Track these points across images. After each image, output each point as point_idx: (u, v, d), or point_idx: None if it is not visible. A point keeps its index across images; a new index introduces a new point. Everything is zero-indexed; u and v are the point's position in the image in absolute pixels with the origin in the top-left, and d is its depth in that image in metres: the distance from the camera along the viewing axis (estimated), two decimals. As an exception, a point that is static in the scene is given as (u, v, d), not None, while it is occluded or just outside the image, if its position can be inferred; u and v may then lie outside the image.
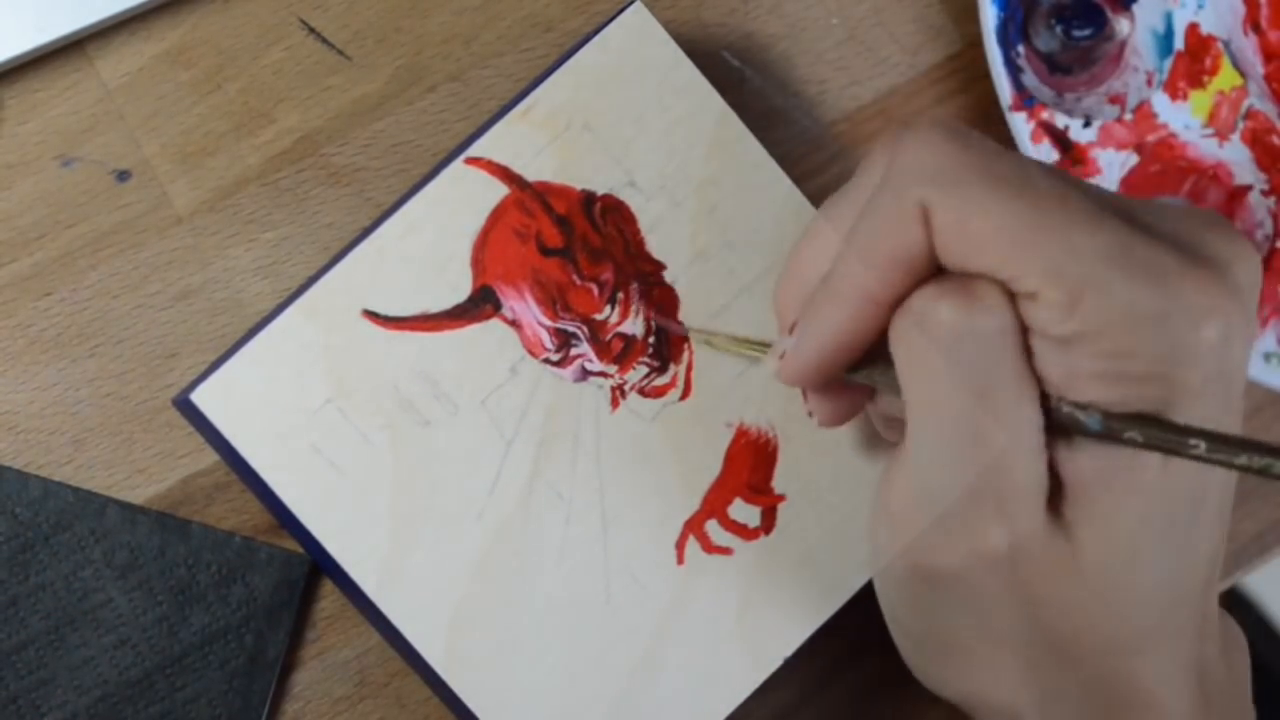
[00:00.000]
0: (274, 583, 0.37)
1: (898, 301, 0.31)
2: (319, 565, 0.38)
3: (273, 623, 0.37)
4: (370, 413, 0.36)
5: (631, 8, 0.39)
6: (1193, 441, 0.28)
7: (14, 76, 0.39)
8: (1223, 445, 0.28)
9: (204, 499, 0.38)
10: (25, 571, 0.36)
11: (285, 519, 0.36)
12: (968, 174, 0.29)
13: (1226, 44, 0.43)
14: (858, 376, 0.33)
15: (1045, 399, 0.30)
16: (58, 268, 0.39)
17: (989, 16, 0.41)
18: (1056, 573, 0.30)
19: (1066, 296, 0.28)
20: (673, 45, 0.39)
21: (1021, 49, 0.42)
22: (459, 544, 0.36)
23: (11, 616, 0.36)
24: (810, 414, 0.35)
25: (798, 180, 0.40)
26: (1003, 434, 0.29)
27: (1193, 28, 0.43)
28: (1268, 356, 0.43)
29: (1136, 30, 0.43)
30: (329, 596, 0.39)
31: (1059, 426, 0.30)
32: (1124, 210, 0.30)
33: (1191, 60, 0.43)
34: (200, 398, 0.35)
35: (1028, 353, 0.30)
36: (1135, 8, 0.43)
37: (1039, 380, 0.30)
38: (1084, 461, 0.30)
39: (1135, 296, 0.28)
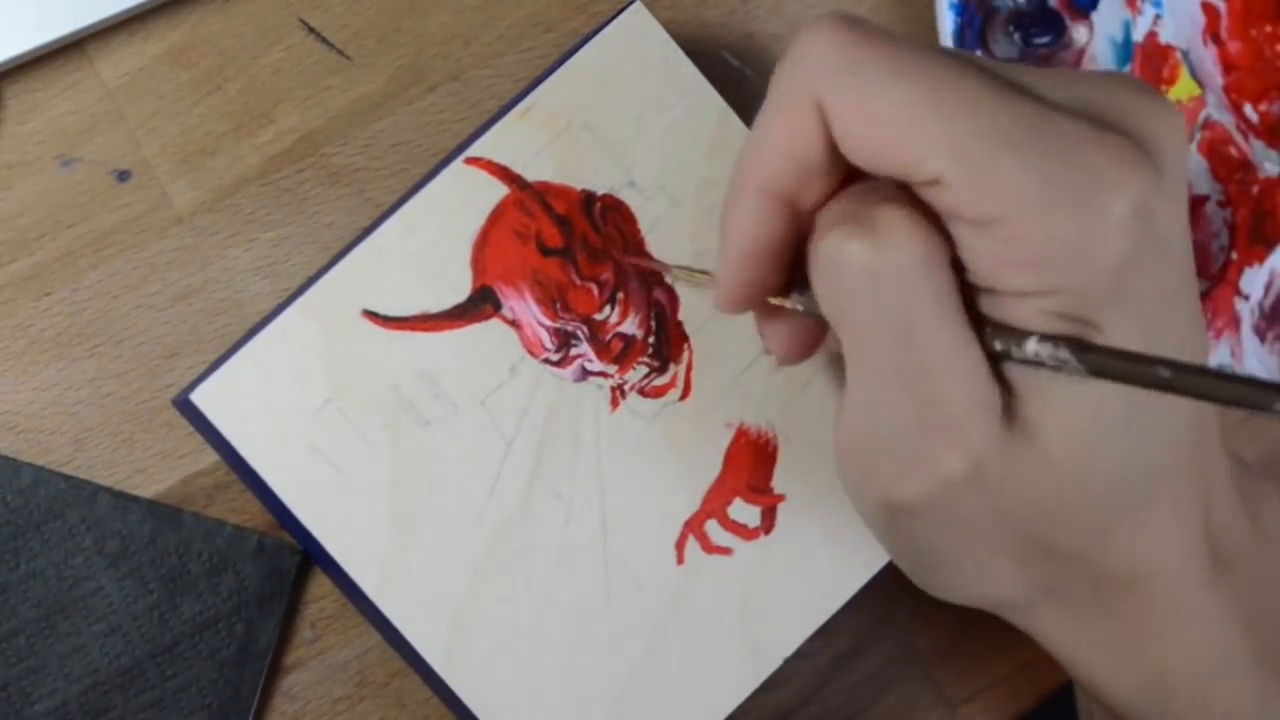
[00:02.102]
0: (265, 572, 0.37)
1: (805, 201, 0.30)
2: (319, 565, 0.38)
3: (264, 612, 0.37)
4: (370, 413, 0.36)
5: (631, 8, 0.39)
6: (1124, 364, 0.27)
7: (14, 76, 0.39)
8: (1146, 364, 0.27)
9: (204, 499, 0.38)
10: (16, 559, 0.36)
11: (285, 519, 0.36)
12: (864, 60, 0.28)
13: (1185, 54, 0.43)
14: (788, 302, 0.32)
15: (980, 323, 0.29)
16: (58, 268, 0.39)
17: (946, 22, 0.41)
18: (1024, 476, 0.30)
19: (972, 176, 0.27)
20: (673, 45, 0.39)
21: (979, 55, 0.41)
22: (459, 544, 0.36)
23: (2, 604, 0.36)
24: (769, 352, 0.34)
25: (798, 180, 0.40)
26: (934, 366, 0.29)
27: (1151, 37, 0.43)
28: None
29: (1095, 39, 0.42)
30: (329, 596, 0.39)
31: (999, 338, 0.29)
32: (1031, 84, 0.29)
33: (1149, 70, 0.43)
34: (200, 398, 0.35)
35: (950, 241, 0.29)
36: (1094, 16, 0.42)
37: (969, 274, 0.29)
38: (1030, 369, 0.29)
39: (1041, 173, 0.27)
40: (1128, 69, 0.42)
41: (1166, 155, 0.28)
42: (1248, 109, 0.44)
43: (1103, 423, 0.29)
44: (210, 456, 0.38)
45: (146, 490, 0.38)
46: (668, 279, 0.38)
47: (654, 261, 0.38)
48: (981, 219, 0.28)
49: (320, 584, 0.39)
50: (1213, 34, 0.44)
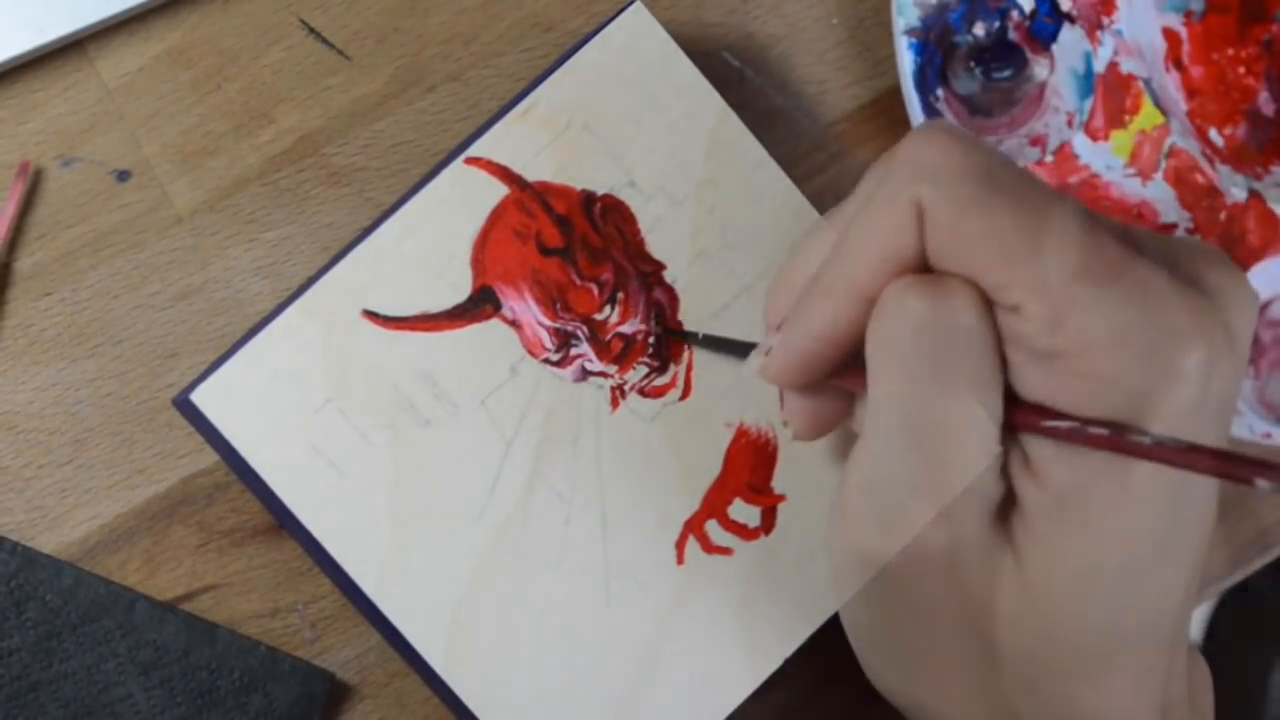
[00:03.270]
0: (294, 695, 0.37)
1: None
2: (319, 565, 0.38)
3: None
4: (370, 413, 0.36)
5: (631, 8, 0.39)
6: (1153, 440, 0.27)
7: (14, 76, 0.39)
8: (1189, 451, 0.27)
9: (204, 499, 0.38)
10: (49, 659, 0.36)
11: (285, 519, 0.36)
12: (967, 174, 0.29)
13: (1147, 82, 0.43)
14: (840, 381, 0.32)
15: (1011, 406, 0.29)
16: (58, 268, 0.39)
17: (906, 62, 0.41)
18: (999, 584, 0.30)
19: (1050, 312, 0.28)
20: (673, 45, 0.39)
21: (941, 92, 0.41)
22: (459, 544, 0.36)
23: (31, 702, 0.36)
24: (785, 423, 0.34)
25: (798, 180, 0.40)
26: (950, 433, 0.29)
27: (1112, 67, 0.43)
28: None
29: (1057, 71, 0.42)
30: (329, 596, 0.39)
31: (1023, 435, 0.29)
32: (1120, 231, 0.29)
33: (1112, 101, 0.43)
34: (200, 398, 0.35)
35: (1004, 365, 0.29)
36: (1055, 48, 0.42)
37: (1009, 387, 0.29)
38: (1040, 486, 0.29)
39: (1120, 317, 0.27)
40: (1090, 101, 0.42)
41: (1235, 325, 0.29)
42: (1213, 134, 0.44)
43: (1094, 568, 0.29)
44: (210, 456, 0.38)
45: (146, 490, 0.38)
46: (694, 344, 0.38)
47: (682, 333, 0.38)
48: (1049, 352, 0.28)
49: (320, 584, 0.39)
50: (1174, 60, 0.44)
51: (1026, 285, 0.28)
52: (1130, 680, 0.31)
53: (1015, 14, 0.42)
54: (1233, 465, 0.26)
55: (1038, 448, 0.29)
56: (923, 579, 0.30)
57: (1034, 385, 0.29)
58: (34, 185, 0.39)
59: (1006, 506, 0.30)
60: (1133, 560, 0.29)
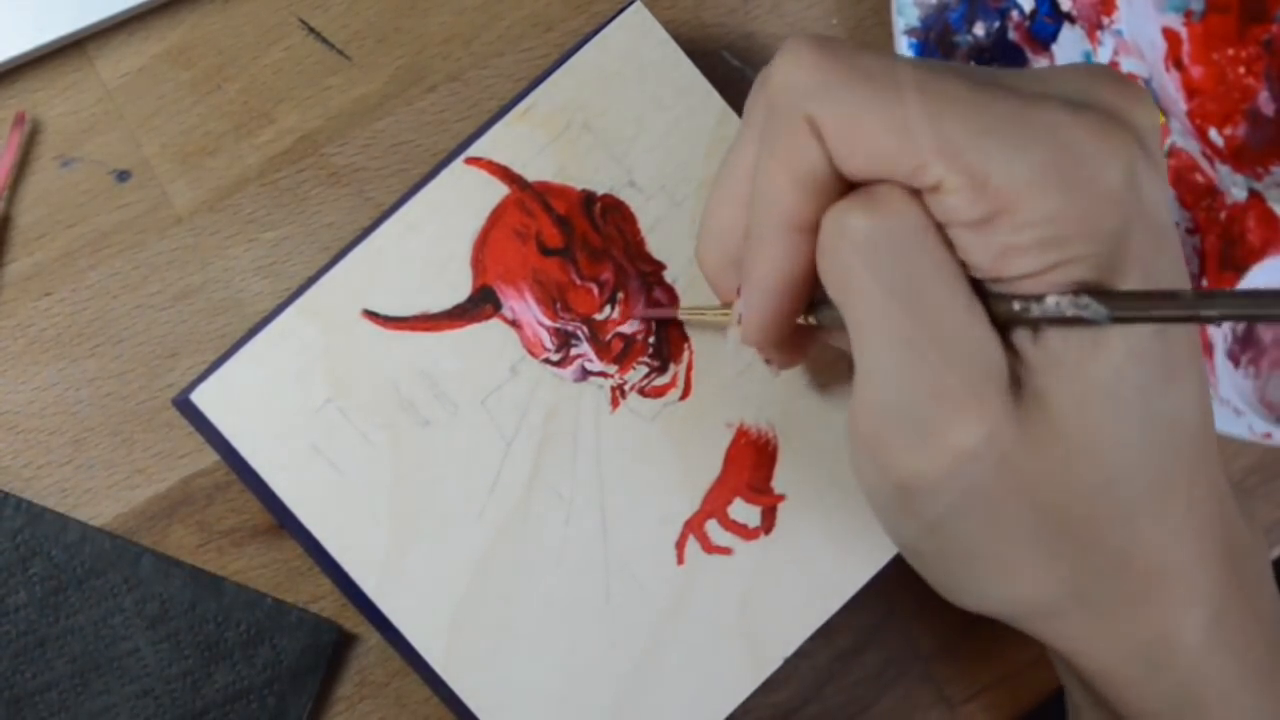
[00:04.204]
0: (301, 646, 0.37)
1: (816, 223, 0.31)
2: (319, 565, 0.38)
3: (296, 687, 0.37)
4: (370, 412, 0.36)
5: (631, 8, 0.39)
6: (1157, 308, 0.28)
7: (14, 76, 0.39)
8: (1184, 300, 0.27)
9: (204, 499, 0.38)
10: (56, 614, 0.36)
11: (285, 519, 0.36)
12: (842, 79, 0.29)
13: (1147, 82, 0.43)
14: (814, 319, 0.33)
15: (987, 294, 0.29)
16: (58, 268, 0.39)
17: None
18: (1040, 450, 0.30)
19: (969, 179, 0.28)
20: (673, 45, 0.39)
21: (950, 63, 0.41)
22: (459, 544, 0.36)
23: (38, 657, 0.36)
24: (767, 362, 0.35)
25: (798, 180, 0.40)
26: (940, 331, 0.29)
27: (1113, 66, 0.43)
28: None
29: None
30: (329, 597, 0.39)
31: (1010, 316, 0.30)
32: (1004, 81, 0.30)
33: None
34: (200, 398, 0.35)
35: (950, 247, 0.29)
36: (1054, 48, 0.42)
37: (969, 270, 0.29)
38: (1041, 340, 0.30)
39: (1032, 160, 0.28)
40: None
41: (1143, 129, 0.29)
42: (1212, 134, 0.44)
43: (1117, 395, 0.29)
44: (210, 456, 0.38)
45: (146, 490, 0.38)
46: (682, 316, 0.38)
47: (660, 310, 0.38)
48: (984, 216, 0.28)
49: (320, 584, 0.39)
50: (1174, 60, 0.44)
51: (938, 161, 0.28)
52: (1181, 504, 0.31)
53: (1015, 14, 0.42)
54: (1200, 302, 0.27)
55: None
56: (969, 478, 0.30)
57: (982, 258, 0.29)
58: (33, 185, 0.39)
59: (1019, 375, 0.30)
60: (1147, 377, 0.29)
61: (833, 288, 0.30)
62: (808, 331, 0.34)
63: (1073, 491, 0.30)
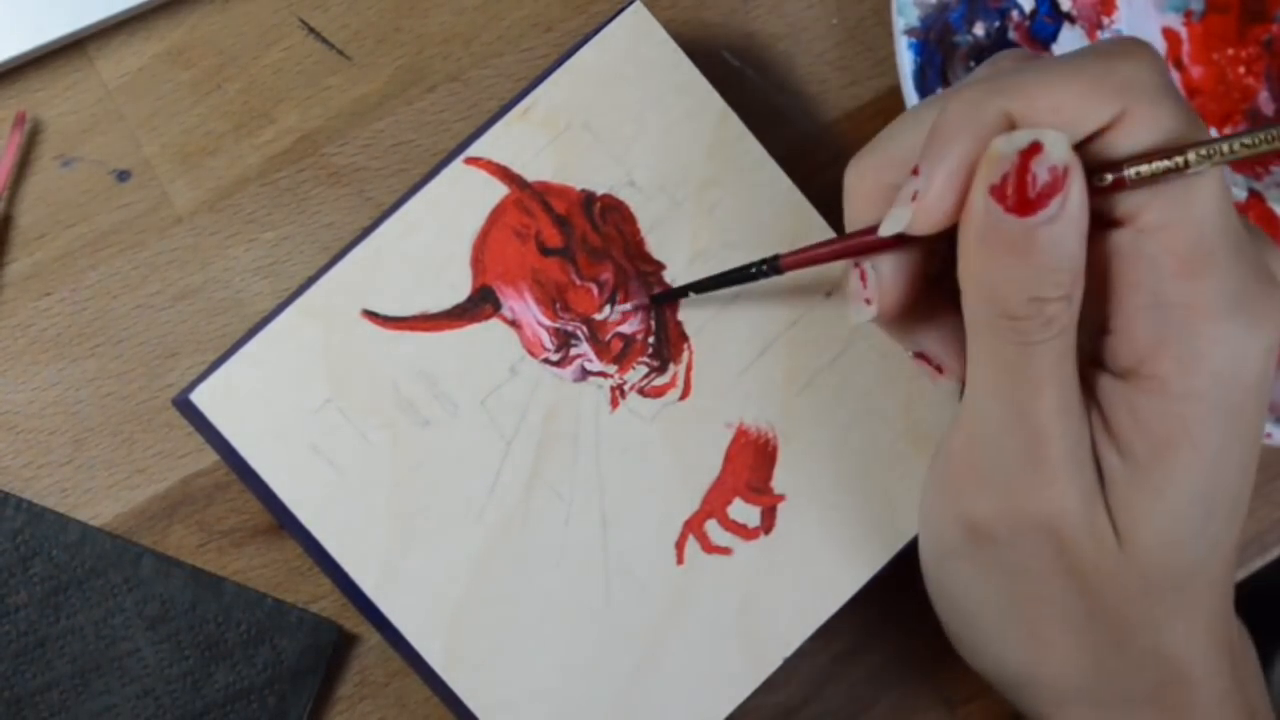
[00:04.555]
0: (302, 647, 0.37)
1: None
2: (319, 565, 0.38)
3: (297, 687, 0.37)
4: (370, 413, 0.36)
5: (631, 8, 0.39)
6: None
7: (14, 76, 0.39)
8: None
9: (204, 499, 0.38)
10: (56, 614, 0.36)
11: (285, 519, 0.36)
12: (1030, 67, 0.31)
13: None
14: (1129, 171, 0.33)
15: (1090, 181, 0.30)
16: (58, 268, 0.39)
17: (906, 62, 0.41)
18: (1097, 547, 0.31)
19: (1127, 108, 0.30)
20: (673, 45, 0.39)
21: (941, 92, 0.41)
22: (459, 544, 0.36)
23: (38, 657, 0.36)
24: (868, 301, 0.33)
25: (798, 180, 0.40)
26: (1042, 402, 0.30)
27: None
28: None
29: None
30: (329, 597, 0.39)
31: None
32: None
33: None
34: (200, 398, 0.35)
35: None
36: (1054, 47, 0.42)
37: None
38: (1120, 452, 0.31)
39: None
40: None
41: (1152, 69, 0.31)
42: (1213, 134, 0.44)
43: (1186, 521, 0.31)
44: (210, 456, 0.38)
45: (146, 490, 0.38)
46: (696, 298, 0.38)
47: (673, 293, 0.38)
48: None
49: (320, 584, 0.39)
50: (1175, 60, 0.44)
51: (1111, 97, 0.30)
52: (1202, 620, 0.32)
53: (1015, 14, 0.42)
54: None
55: (1118, 412, 0.31)
56: (1024, 544, 0.32)
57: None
58: (33, 185, 0.39)
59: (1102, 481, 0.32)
60: (1214, 504, 0.31)
61: (966, 297, 0.31)
62: (918, 286, 0.34)
63: (1125, 591, 0.32)
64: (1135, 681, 0.33)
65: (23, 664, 0.36)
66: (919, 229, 0.31)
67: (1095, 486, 0.31)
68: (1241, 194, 0.44)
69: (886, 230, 0.31)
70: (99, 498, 0.38)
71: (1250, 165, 0.44)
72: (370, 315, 0.36)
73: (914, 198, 0.30)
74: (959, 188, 0.30)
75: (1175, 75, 0.44)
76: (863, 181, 0.33)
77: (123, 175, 0.39)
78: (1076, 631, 0.32)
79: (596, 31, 0.39)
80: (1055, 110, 0.29)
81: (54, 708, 0.36)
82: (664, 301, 0.38)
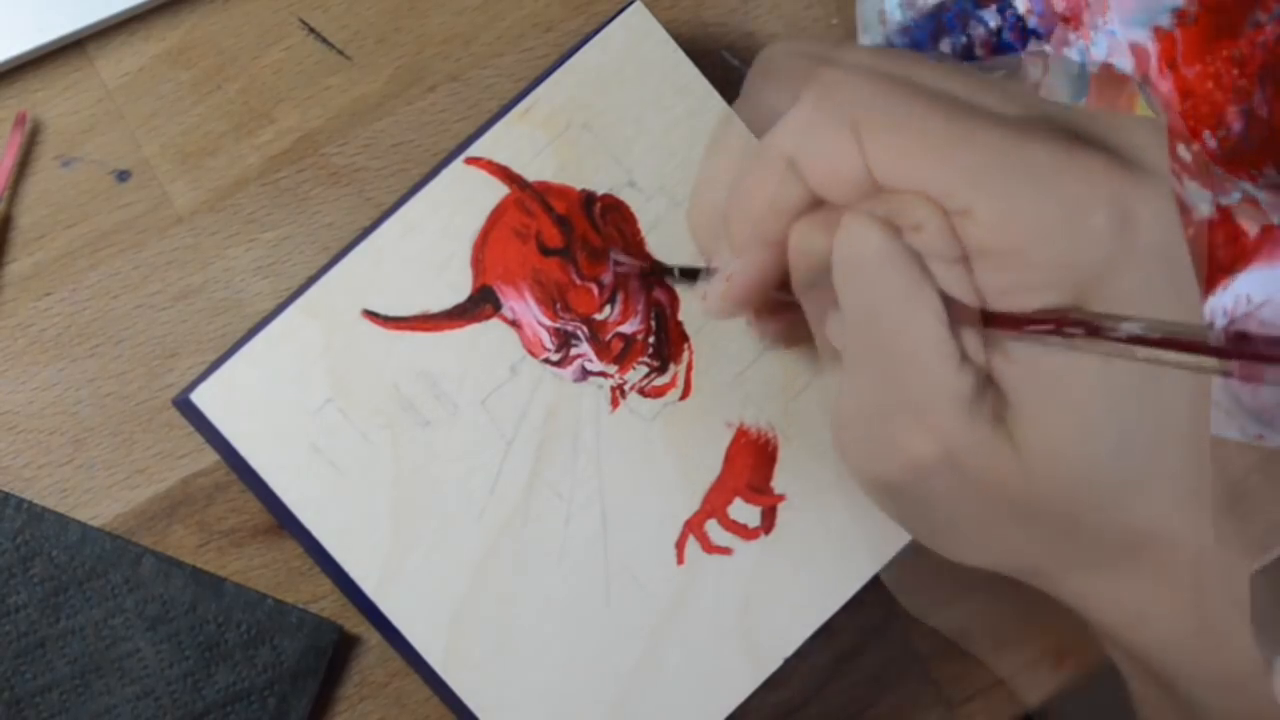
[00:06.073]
0: (302, 648, 0.37)
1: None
2: (319, 565, 0.38)
3: (297, 688, 0.37)
4: (370, 413, 0.36)
5: (631, 8, 0.39)
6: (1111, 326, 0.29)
7: (14, 76, 0.39)
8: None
9: (204, 499, 0.38)
10: (56, 614, 0.36)
11: (285, 519, 0.36)
12: (892, 92, 0.31)
13: (1141, 83, 0.43)
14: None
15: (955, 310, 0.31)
16: (58, 268, 0.39)
17: None
18: (1002, 466, 0.31)
19: (997, 213, 0.30)
20: (673, 45, 0.39)
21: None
22: (459, 544, 0.36)
23: (39, 658, 0.36)
24: (760, 336, 0.37)
25: (797, 180, 0.40)
26: (906, 346, 0.30)
27: (1106, 67, 0.43)
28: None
29: (1050, 71, 0.42)
30: (329, 597, 0.39)
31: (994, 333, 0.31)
32: (1037, 116, 0.31)
33: (1105, 99, 0.43)
34: (200, 398, 0.35)
35: (967, 267, 0.30)
36: (1048, 48, 0.42)
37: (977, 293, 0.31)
38: (1015, 365, 0.31)
39: (1018, 202, 0.29)
40: (1083, 101, 0.43)
41: (1146, 163, 0.31)
42: (1180, 149, 0.44)
43: (1086, 405, 0.31)
44: (210, 456, 0.38)
45: (146, 490, 0.38)
46: (669, 280, 0.38)
47: (662, 268, 0.38)
48: (1006, 250, 0.30)
49: (320, 584, 0.39)
50: (1168, 61, 0.44)
51: (966, 189, 0.30)
52: (1162, 484, 0.32)
53: (1009, 14, 0.42)
54: (1190, 344, 0.28)
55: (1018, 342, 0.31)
56: (929, 485, 0.32)
57: (994, 284, 0.30)
58: (33, 185, 0.39)
59: (989, 393, 0.31)
60: (1125, 385, 0.31)
61: (838, 279, 0.31)
62: (799, 315, 0.35)
63: (1041, 490, 0.31)
64: (1102, 553, 0.33)
65: (23, 664, 0.36)
66: (730, 300, 0.34)
67: (973, 410, 0.31)
68: (1208, 209, 0.44)
69: (714, 290, 0.35)
70: (99, 498, 0.38)
71: (1244, 167, 0.44)
72: (370, 315, 0.36)
73: (729, 277, 0.34)
74: (766, 279, 0.34)
75: (1168, 76, 0.44)
76: (701, 230, 0.36)
77: (123, 175, 0.39)
78: (1018, 528, 0.33)
79: (597, 31, 0.39)
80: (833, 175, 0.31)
81: (54, 708, 0.36)
82: (650, 274, 0.38)
